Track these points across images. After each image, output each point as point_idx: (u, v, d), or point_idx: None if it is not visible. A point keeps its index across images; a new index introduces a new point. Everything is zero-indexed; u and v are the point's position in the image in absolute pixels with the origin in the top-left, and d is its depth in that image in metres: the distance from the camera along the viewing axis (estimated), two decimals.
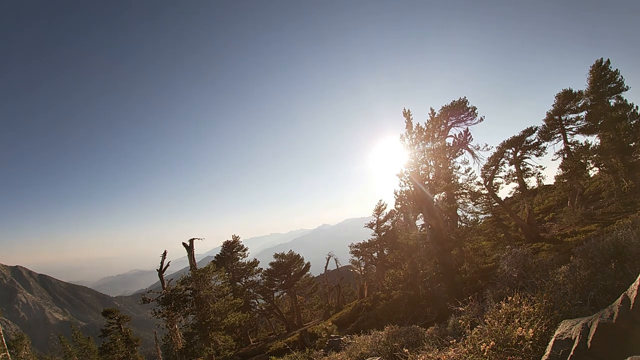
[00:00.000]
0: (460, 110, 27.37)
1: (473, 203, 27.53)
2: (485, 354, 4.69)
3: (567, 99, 26.56)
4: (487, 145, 26.98)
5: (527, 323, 5.10)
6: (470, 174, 26.57)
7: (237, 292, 32.88)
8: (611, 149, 24.94)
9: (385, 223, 37.15)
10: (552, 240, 22.13)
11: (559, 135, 27.60)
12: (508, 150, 27.09)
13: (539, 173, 26.98)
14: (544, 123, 27.75)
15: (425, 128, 20.79)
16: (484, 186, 27.37)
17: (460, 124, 28.01)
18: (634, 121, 25.23)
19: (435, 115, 24.04)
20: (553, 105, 27.36)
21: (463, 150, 27.56)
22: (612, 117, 25.09)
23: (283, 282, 35.67)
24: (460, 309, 8.38)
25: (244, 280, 36.07)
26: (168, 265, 21.65)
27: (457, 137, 27.68)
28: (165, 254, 21.40)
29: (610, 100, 25.94)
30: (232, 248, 35.39)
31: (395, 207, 29.34)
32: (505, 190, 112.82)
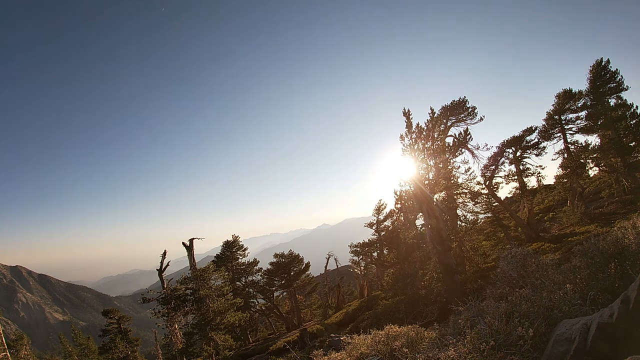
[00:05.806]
0: (460, 110, 27.36)
1: (473, 203, 27.50)
2: (485, 353, 4.69)
3: (567, 98, 26.57)
4: (487, 145, 26.95)
5: (527, 323, 5.10)
6: (470, 173, 26.54)
7: (237, 292, 32.88)
8: (611, 148, 24.94)
9: (385, 223, 37.13)
10: (552, 240, 22.09)
11: (558, 135, 27.62)
12: (508, 149, 27.07)
13: (539, 173, 26.96)
14: (544, 123, 27.77)
15: (425, 128, 20.76)
16: (483, 186, 27.35)
17: (460, 123, 27.99)
18: (634, 121, 25.24)
19: (435, 115, 24.01)
20: (553, 105, 27.38)
21: (463, 150, 27.54)
22: (612, 116, 25.12)
23: (283, 282, 35.67)
24: (460, 308, 8.38)
25: (243, 280, 36.08)
26: (168, 265, 21.66)
27: (457, 136, 27.66)
28: (165, 253, 21.42)
29: (610, 100, 25.98)
30: (231, 248, 35.40)
31: (395, 207, 29.31)
32: (505, 190, 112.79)
